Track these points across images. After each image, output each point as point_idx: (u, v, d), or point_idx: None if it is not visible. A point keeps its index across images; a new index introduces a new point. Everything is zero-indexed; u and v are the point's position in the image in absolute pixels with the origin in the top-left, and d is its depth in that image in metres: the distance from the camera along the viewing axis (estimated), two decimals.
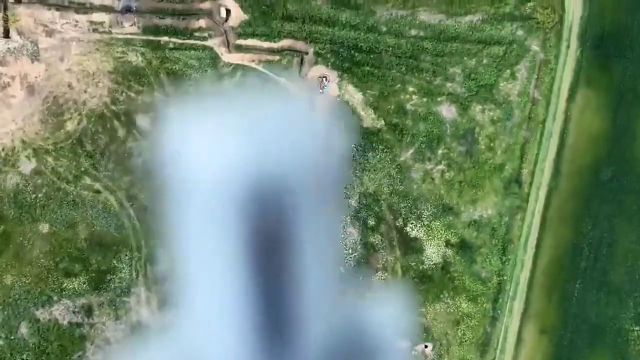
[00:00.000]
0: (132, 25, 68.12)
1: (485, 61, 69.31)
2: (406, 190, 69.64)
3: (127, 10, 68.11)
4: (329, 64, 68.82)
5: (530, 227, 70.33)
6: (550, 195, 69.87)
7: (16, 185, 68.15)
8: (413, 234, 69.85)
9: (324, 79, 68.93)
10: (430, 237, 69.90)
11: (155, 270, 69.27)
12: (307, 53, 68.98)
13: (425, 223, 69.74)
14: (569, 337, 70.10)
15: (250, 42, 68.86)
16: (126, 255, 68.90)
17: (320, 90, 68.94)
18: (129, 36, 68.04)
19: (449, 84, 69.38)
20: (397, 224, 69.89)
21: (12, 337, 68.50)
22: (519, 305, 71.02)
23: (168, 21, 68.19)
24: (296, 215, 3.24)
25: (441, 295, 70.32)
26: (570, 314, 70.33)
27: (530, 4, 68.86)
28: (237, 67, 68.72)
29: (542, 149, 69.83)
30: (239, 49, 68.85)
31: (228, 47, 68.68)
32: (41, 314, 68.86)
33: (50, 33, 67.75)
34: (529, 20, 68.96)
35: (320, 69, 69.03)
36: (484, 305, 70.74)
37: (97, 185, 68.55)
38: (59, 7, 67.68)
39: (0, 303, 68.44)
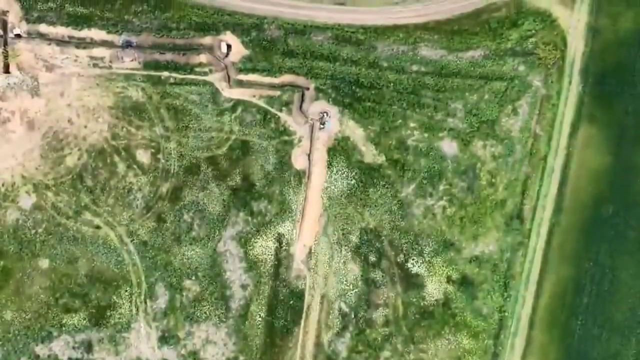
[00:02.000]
0: (132, 61, 67.84)
1: (486, 97, 69.07)
2: (407, 226, 69.37)
3: (127, 45, 67.85)
4: (330, 99, 68.56)
5: (531, 263, 70.12)
6: (552, 231, 69.68)
7: (16, 221, 67.84)
8: (414, 270, 69.59)
9: (325, 114, 68.68)
10: (431, 273, 69.64)
11: (155, 305, 69.03)
12: (308, 88, 68.72)
13: (427, 259, 69.47)
14: None
15: (251, 77, 68.61)
16: (126, 291, 68.59)
17: (321, 126, 68.69)
18: (129, 71, 67.75)
19: (450, 120, 69.14)
20: (399, 260, 69.64)
21: None
22: (521, 342, 70.77)
23: (169, 56, 67.91)
24: None
25: (442, 332, 70.02)
26: (572, 351, 70.08)
27: (532, 40, 68.65)
28: (237, 102, 68.47)
29: (543, 184, 69.60)
30: (240, 84, 68.58)
31: (229, 82, 68.42)
32: (41, 350, 68.53)
33: (50, 68, 67.52)
34: (531, 56, 68.74)
35: (321, 105, 68.77)
36: (486, 342, 70.44)
37: (97, 221, 68.24)
38: (59, 42, 67.42)
39: (0, 339, 68.14)
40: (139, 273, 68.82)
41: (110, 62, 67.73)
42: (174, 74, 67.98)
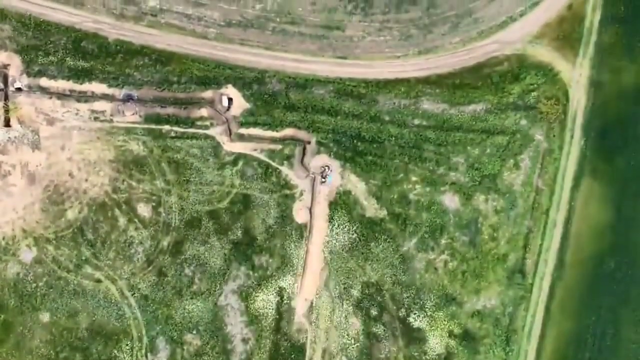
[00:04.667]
0: (133, 114, 67.72)
1: (488, 151, 68.88)
2: (409, 280, 69.16)
3: (128, 98, 67.72)
4: (332, 153, 68.41)
5: (533, 318, 69.92)
6: (554, 286, 69.49)
7: (17, 275, 67.68)
8: (416, 324, 69.37)
9: (327, 168, 68.51)
10: (433, 328, 69.41)
11: (156, 359, 68.89)
12: (309, 142, 68.55)
13: (429, 313, 69.25)
14: None
15: (252, 131, 68.46)
16: (127, 344, 68.41)
17: (323, 180, 68.51)
18: (130, 125, 67.63)
19: (452, 174, 68.96)
20: (400, 314, 69.43)
21: None
22: None
23: (170, 110, 67.78)
24: None
25: None
26: None
27: (534, 94, 68.47)
28: (239, 155, 68.30)
29: (545, 239, 69.40)
30: (241, 137, 68.46)
31: (230, 135, 68.27)
32: None
33: (51, 122, 67.40)
34: (533, 110, 68.56)
35: (322, 158, 68.61)
36: None
37: (98, 275, 68.08)
38: (60, 96, 67.30)
39: None
40: (140, 327, 68.64)
41: (111, 115, 67.60)
42: (175, 128, 67.84)
